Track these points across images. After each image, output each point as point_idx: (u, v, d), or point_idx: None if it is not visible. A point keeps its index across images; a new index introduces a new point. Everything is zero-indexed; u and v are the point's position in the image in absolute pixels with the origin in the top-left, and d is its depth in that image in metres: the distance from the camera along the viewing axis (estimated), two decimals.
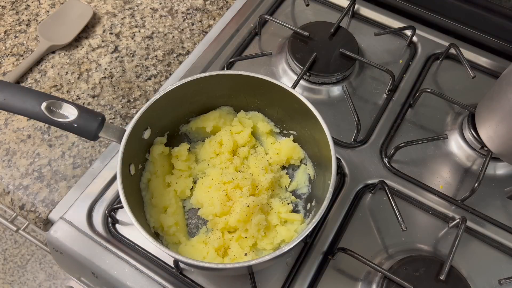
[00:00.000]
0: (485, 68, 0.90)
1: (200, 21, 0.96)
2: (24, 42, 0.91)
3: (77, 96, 0.85)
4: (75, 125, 0.62)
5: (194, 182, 0.74)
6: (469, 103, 0.79)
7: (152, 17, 0.96)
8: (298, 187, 0.74)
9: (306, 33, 0.86)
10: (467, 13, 0.92)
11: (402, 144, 0.76)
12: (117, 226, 0.71)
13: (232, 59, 0.86)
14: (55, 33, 0.90)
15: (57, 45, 0.90)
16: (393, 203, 0.68)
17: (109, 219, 0.71)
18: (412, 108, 0.84)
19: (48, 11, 0.96)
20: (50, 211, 0.73)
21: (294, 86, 0.79)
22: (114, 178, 0.74)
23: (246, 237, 0.66)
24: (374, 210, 0.74)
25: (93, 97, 0.85)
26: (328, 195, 0.58)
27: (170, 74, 0.88)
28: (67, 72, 0.87)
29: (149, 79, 0.87)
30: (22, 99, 0.61)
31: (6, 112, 0.82)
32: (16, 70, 0.85)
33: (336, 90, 0.85)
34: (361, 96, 0.85)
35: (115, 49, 0.91)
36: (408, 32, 0.91)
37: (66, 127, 0.62)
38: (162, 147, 0.72)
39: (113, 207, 0.70)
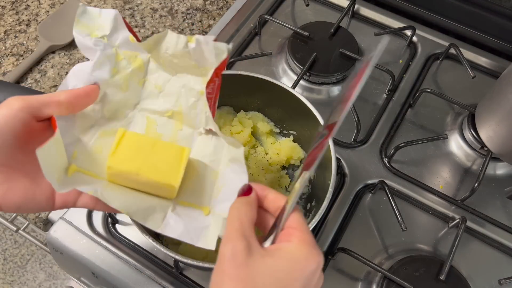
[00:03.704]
0: (485, 68, 0.90)
1: (200, 21, 0.96)
2: (24, 42, 0.91)
3: None
4: None
5: None
6: (469, 103, 0.79)
7: (152, 17, 0.96)
8: None
9: (306, 33, 0.86)
10: (467, 13, 0.92)
11: (402, 144, 0.76)
12: (117, 226, 0.71)
13: (232, 59, 0.86)
14: (55, 33, 0.90)
15: (57, 45, 0.89)
16: (393, 203, 0.68)
17: (109, 219, 0.71)
18: (412, 108, 0.84)
19: (48, 11, 0.96)
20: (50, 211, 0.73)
21: (294, 86, 0.79)
22: None
23: None
24: (374, 210, 0.74)
25: None
26: (328, 195, 0.58)
27: None
28: (67, 72, 0.87)
29: None
30: None
31: None
32: (16, 70, 0.85)
33: (336, 90, 0.85)
34: (361, 96, 0.85)
35: None
36: (408, 32, 0.91)
37: None
38: None
39: None
